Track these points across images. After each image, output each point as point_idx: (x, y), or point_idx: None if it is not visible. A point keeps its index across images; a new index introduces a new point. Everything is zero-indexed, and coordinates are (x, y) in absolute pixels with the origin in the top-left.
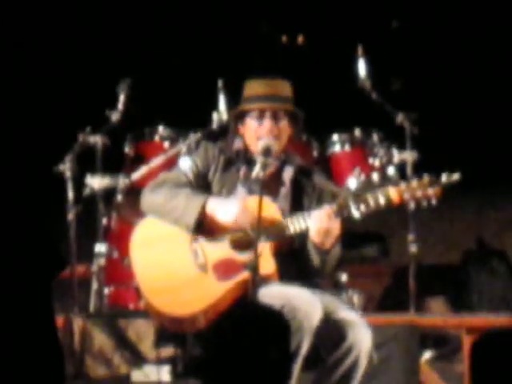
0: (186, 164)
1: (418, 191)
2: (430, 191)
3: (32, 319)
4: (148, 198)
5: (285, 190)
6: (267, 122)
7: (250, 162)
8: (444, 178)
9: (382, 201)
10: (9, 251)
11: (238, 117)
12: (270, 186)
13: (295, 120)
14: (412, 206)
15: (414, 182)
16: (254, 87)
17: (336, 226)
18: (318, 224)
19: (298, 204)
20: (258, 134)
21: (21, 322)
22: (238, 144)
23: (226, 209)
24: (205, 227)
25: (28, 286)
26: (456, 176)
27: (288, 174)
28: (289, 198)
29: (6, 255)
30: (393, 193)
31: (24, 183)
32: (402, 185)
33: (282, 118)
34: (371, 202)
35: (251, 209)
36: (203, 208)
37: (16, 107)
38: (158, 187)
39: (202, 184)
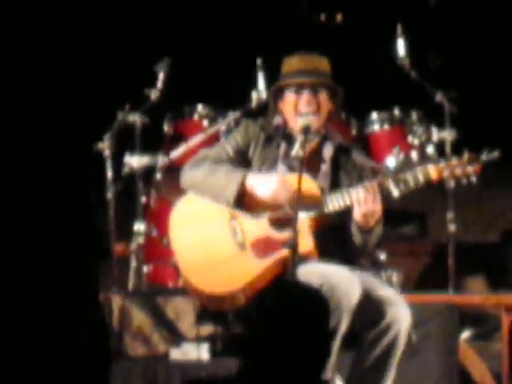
0: (227, 141)
1: (458, 169)
2: (470, 169)
3: (80, 306)
4: (188, 174)
5: (325, 168)
6: (306, 96)
7: (289, 139)
8: (483, 155)
9: (421, 179)
10: (54, 239)
11: (277, 93)
12: (311, 162)
13: (334, 96)
14: (451, 183)
15: (454, 160)
16: (292, 63)
17: (378, 205)
18: (360, 203)
19: (337, 182)
20: (297, 107)
21: (69, 307)
22: (277, 120)
23: (266, 184)
24: (244, 202)
25: (74, 275)
26: (495, 153)
27: (328, 151)
28: (329, 176)
29: (53, 243)
30: (432, 171)
31: (67, 166)
32: (442, 162)
33: (320, 92)
34: (410, 181)
35: (291, 186)
36: (243, 183)
37: (54, 85)
38: (199, 163)
39: (242, 161)
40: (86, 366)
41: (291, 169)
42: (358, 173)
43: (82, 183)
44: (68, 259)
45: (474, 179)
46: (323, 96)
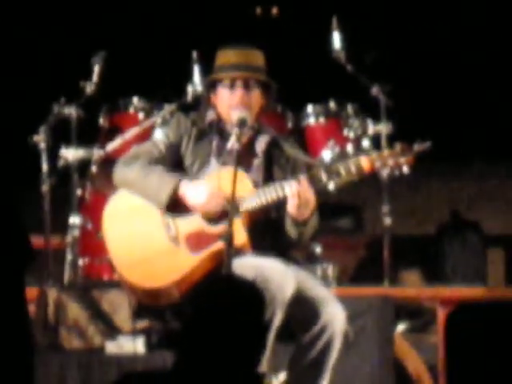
0: (158, 136)
1: (390, 160)
2: (402, 159)
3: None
4: (120, 174)
5: (258, 162)
6: (239, 91)
7: (222, 134)
8: (416, 146)
9: (353, 170)
10: None
11: (210, 86)
12: (243, 157)
13: (268, 90)
14: (384, 175)
15: (386, 151)
16: (225, 56)
17: (312, 197)
18: (294, 195)
19: (271, 175)
20: (230, 102)
21: None
22: (210, 116)
23: (197, 194)
24: (177, 208)
25: None
26: (427, 144)
27: (261, 144)
28: (262, 169)
29: None
30: (364, 162)
31: None
32: (374, 154)
33: (253, 87)
34: (343, 172)
35: (224, 180)
36: (175, 190)
37: None
38: (131, 162)
39: (174, 157)
40: (7, 364)
41: (224, 163)
42: (292, 166)
43: (4, 179)
44: None
45: (406, 170)
46: (256, 91)
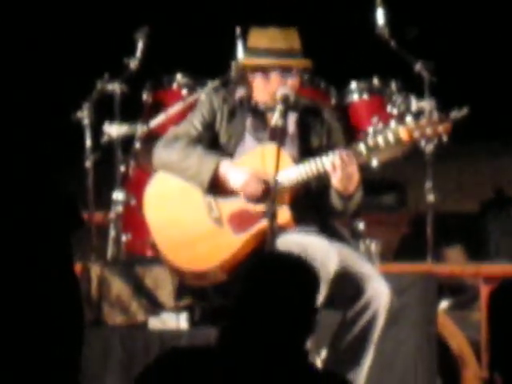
0: (195, 115)
1: (428, 128)
2: (440, 128)
3: (52, 273)
4: (160, 157)
5: (291, 135)
6: (293, 81)
7: (255, 111)
8: (453, 113)
9: (391, 140)
10: (26, 207)
11: (255, 68)
12: (276, 133)
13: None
14: (426, 148)
15: (423, 120)
16: (270, 39)
17: (355, 171)
18: (336, 169)
19: (307, 144)
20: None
21: (40, 275)
22: (239, 93)
23: (237, 176)
24: (218, 188)
25: (46, 243)
26: (465, 110)
27: (292, 118)
28: (296, 141)
29: (24, 211)
30: (402, 131)
31: (41, 133)
32: (411, 123)
33: (301, 73)
34: (381, 143)
35: (266, 158)
36: (216, 171)
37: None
38: (170, 144)
39: (211, 135)
40: (60, 337)
41: (259, 140)
42: (327, 132)
43: (48, 153)
44: (38, 229)
45: (445, 138)
46: (298, 76)
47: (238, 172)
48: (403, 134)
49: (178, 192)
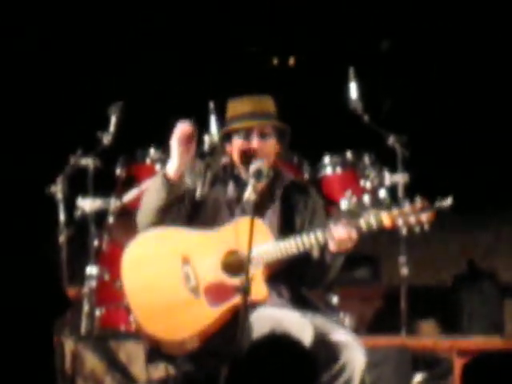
0: None
1: (411, 216)
2: (423, 217)
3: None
4: (139, 222)
5: (274, 206)
6: (255, 141)
7: (237, 180)
8: (437, 203)
9: (373, 224)
10: (14, 288)
11: (225, 137)
12: (261, 203)
13: (282, 136)
14: (404, 231)
15: (407, 207)
16: (238, 106)
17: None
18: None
19: (288, 220)
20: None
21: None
22: (224, 160)
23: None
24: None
25: (32, 325)
26: (448, 201)
27: (279, 190)
28: (277, 214)
29: (12, 291)
30: (385, 218)
31: (22, 211)
32: (395, 210)
33: (269, 134)
34: (363, 226)
35: (242, 231)
36: (164, 176)
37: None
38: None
39: (190, 201)
40: None
41: (243, 212)
42: (312, 210)
43: (37, 230)
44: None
45: (426, 227)
46: (271, 138)
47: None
48: (386, 220)
49: (156, 258)
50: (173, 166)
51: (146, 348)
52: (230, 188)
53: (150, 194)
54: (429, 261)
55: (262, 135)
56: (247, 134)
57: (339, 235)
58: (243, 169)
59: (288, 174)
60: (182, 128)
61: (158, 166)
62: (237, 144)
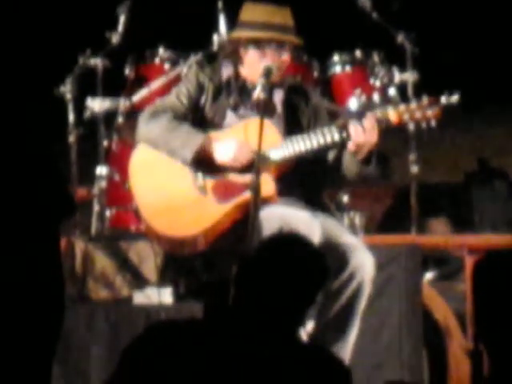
0: (180, 89)
1: (418, 112)
2: (429, 112)
3: (40, 255)
4: (145, 129)
5: (277, 112)
6: (287, 56)
7: (241, 90)
8: (443, 99)
9: (380, 122)
10: (17, 191)
11: (249, 41)
12: (259, 107)
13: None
14: (411, 127)
15: (413, 104)
16: (266, 13)
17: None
18: (364, 134)
19: (293, 122)
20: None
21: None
22: (227, 71)
23: (225, 150)
24: (202, 164)
25: (36, 228)
26: (455, 97)
27: (278, 96)
28: (282, 119)
29: (15, 195)
30: (392, 114)
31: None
32: (401, 106)
33: (293, 50)
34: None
35: (251, 131)
36: (202, 146)
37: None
38: (156, 117)
39: (195, 111)
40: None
41: (241, 117)
42: (313, 113)
43: (45, 131)
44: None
45: (433, 123)
46: (290, 53)
47: (224, 146)
48: (392, 116)
49: (164, 159)
50: (220, 151)
51: (158, 255)
52: (233, 98)
53: (177, 137)
54: (439, 159)
55: (291, 50)
56: (279, 46)
57: (365, 130)
58: (249, 77)
59: (287, 78)
60: (243, 155)
61: (167, 65)
62: (268, 53)
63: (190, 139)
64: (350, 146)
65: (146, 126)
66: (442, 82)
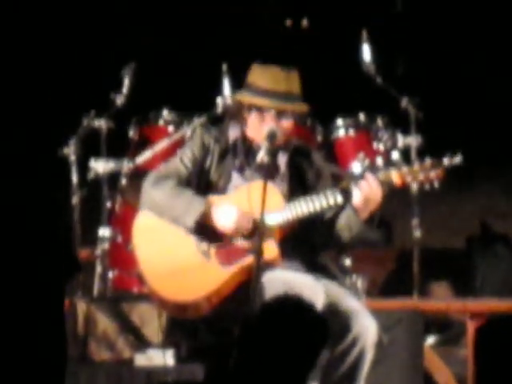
0: (184, 152)
1: (421, 174)
2: (433, 174)
3: (43, 316)
4: (149, 194)
5: (281, 174)
6: (287, 123)
7: (248, 151)
8: (446, 160)
9: (384, 184)
10: (24, 252)
11: (251, 106)
12: (263, 170)
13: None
14: (415, 188)
15: (416, 165)
16: (271, 79)
17: (377, 195)
18: (367, 191)
19: (297, 184)
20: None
21: (32, 316)
22: (234, 133)
23: (226, 218)
24: (204, 231)
25: (41, 288)
26: (458, 158)
27: (283, 158)
28: (286, 180)
29: (22, 255)
30: (395, 176)
31: (36, 174)
32: (404, 168)
33: (296, 116)
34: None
35: (254, 194)
36: (205, 212)
37: (19, 92)
38: (160, 182)
39: (200, 173)
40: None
41: (247, 179)
42: (316, 175)
43: (56, 191)
44: (34, 271)
45: (436, 185)
46: (294, 119)
47: (225, 214)
48: (396, 178)
49: (168, 223)
50: (221, 220)
51: (162, 317)
52: (240, 159)
53: (180, 203)
54: (442, 223)
55: (292, 117)
56: (280, 113)
57: (371, 187)
58: (254, 137)
59: (292, 140)
60: (244, 224)
61: (170, 128)
62: (267, 119)
63: (191, 206)
64: (356, 201)
65: (149, 193)
66: (445, 145)
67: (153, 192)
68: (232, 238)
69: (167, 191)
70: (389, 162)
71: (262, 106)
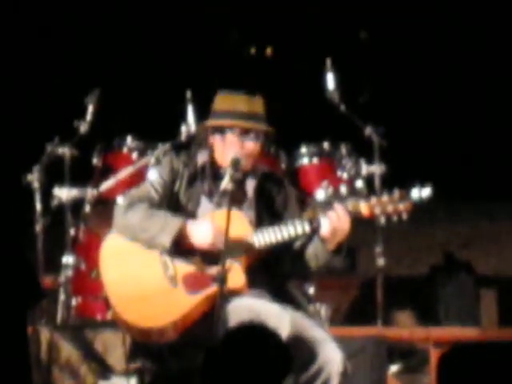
0: (154, 177)
1: (389, 206)
2: (401, 206)
3: (5, 343)
4: (122, 217)
5: (248, 200)
6: (251, 144)
7: (216, 175)
8: (414, 192)
9: (351, 214)
10: None
11: (214, 129)
12: (235, 198)
13: (267, 137)
14: (382, 220)
15: (385, 197)
16: (232, 102)
17: (348, 223)
18: (335, 222)
19: (264, 211)
20: (239, 151)
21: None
22: (202, 158)
23: (202, 233)
24: (179, 249)
25: (4, 315)
26: (426, 191)
27: (251, 183)
28: (253, 207)
29: None
30: (364, 207)
31: None
32: (373, 199)
33: (260, 137)
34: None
35: (219, 221)
36: (180, 230)
37: None
38: (133, 205)
39: (170, 197)
40: None
41: (216, 204)
42: (284, 201)
43: (13, 218)
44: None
45: (404, 217)
46: (261, 141)
47: (201, 229)
48: (364, 209)
49: (135, 247)
50: (197, 235)
51: (126, 343)
52: (207, 183)
53: (155, 224)
54: (405, 251)
55: (256, 138)
56: (243, 133)
57: (339, 217)
58: (221, 162)
59: (260, 167)
60: (220, 239)
61: (134, 155)
62: (231, 141)
63: (167, 225)
64: (324, 232)
65: (122, 216)
66: (408, 175)
67: (126, 215)
68: (207, 253)
69: (141, 213)
70: (352, 190)
71: (224, 126)
